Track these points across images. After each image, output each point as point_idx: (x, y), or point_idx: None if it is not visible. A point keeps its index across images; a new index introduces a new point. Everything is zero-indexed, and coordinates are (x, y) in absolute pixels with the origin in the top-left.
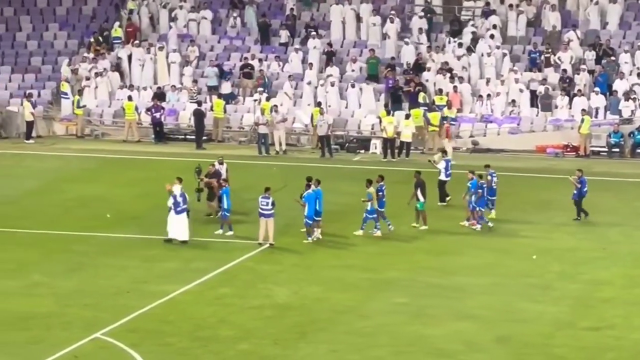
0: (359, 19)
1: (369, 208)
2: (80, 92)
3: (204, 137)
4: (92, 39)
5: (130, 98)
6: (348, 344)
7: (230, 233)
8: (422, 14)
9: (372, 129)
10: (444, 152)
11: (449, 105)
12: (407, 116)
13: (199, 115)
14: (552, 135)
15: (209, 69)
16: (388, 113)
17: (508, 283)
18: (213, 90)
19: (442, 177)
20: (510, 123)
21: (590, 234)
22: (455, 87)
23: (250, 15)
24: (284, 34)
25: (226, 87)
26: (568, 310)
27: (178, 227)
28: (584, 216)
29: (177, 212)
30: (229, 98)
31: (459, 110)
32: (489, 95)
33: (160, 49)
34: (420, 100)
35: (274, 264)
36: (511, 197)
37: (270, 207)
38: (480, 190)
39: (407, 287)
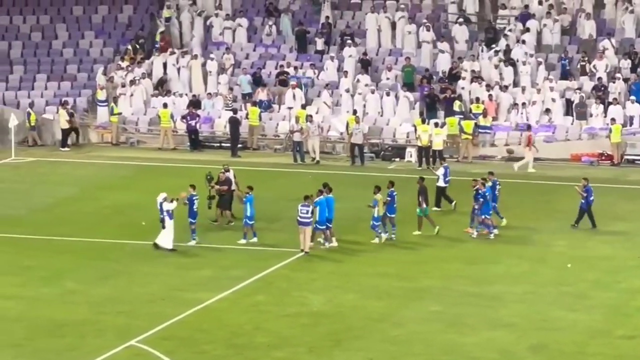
0: (394, 27)
1: (375, 215)
2: (116, 100)
3: (239, 145)
4: (129, 46)
5: (165, 105)
6: (383, 352)
7: (254, 240)
8: (462, 20)
9: (407, 137)
10: (443, 159)
11: (485, 113)
12: (437, 124)
13: (234, 123)
14: (587, 143)
15: (242, 76)
16: (423, 121)
17: (543, 291)
18: (248, 98)
19: (441, 183)
20: (546, 131)
21: (625, 242)
22: (490, 95)
23: (285, 24)
24: (320, 42)
25: (261, 95)
26: (603, 319)
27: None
28: (576, 225)
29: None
30: (264, 106)
31: (494, 119)
32: (524, 104)
33: (195, 56)
34: (456, 108)
35: (310, 271)
36: (546, 206)
37: (309, 215)
38: (481, 199)
39: (442, 295)
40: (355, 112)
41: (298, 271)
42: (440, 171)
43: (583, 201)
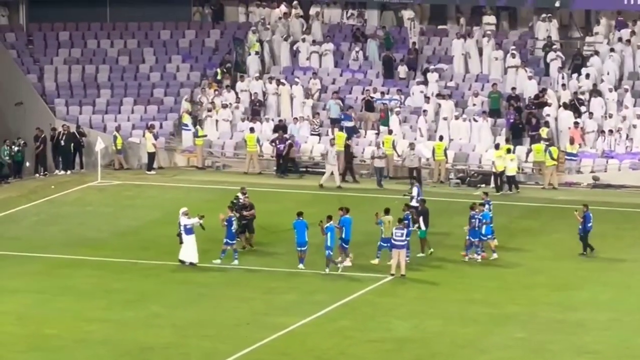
0: (481, 53)
1: (382, 236)
2: (201, 123)
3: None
4: (217, 70)
5: (252, 130)
6: None
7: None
8: (549, 46)
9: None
10: (416, 179)
11: (571, 140)
12: (509, 150)
13: (347, 149)
14: None
15: (330, 101)
16: (497, 147)
17: (627, 319)
18: (336, 123)
19: (414, 203)
20: (632, 159)
21: None
22: (576, 122)
23: (372, 49)
24: (402, 70)
25: (347, 121)
26: None
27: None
28: (589, 251)
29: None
30: (351, 132)
31: (580, 146)
32: (610, 131)
33: (281, 82)
34: (543, 135)
35: (395, 296)
36: (632, 233)
37: (404, 238)
38: (472, 220)
39: (527, 322)
40: (441, 137)
41: (383, 296)
42: (414, 191)
43: (580, 227)
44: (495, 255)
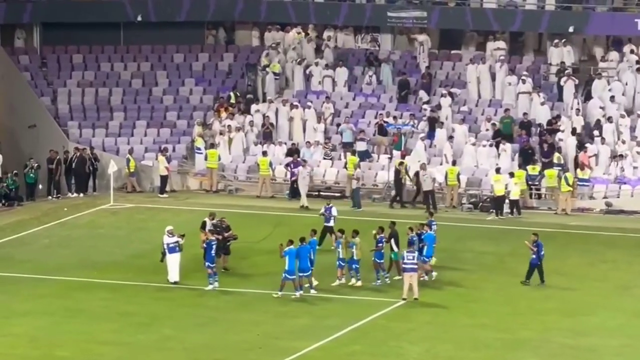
0: (494, 78)
1: (354, 257)
2: (213, 146)
3: (337, 194)
4: (231, 94)
5: (265, 154)
6: None
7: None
8: (569, 70)
9: (506, 188)
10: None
11: (582, 166)
12: (512, 174)
13: (397, 174)
14: None
15: (343, 125)
16: (497, 171)
17: (639, 345)
18: (347, 147)
19: (331, 223)
20: None
21: None
22: (585, 148)
23: (386, 73)
24: (422, 94)
25: (361, 145)
26: None
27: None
28: (527, 281)
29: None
30: (364, 156)
31: (592, 170)
32: (620, 156)
33: (294, 105)
34: (555, 160)
35: (407, 321)
36: None
37: (415, 260)
38: (413, 245)
39: (539, 347)
40: (454, 162)
41: (395, 321)
42: (333, 211)
43: (534, 256)
44: (434, 274)
